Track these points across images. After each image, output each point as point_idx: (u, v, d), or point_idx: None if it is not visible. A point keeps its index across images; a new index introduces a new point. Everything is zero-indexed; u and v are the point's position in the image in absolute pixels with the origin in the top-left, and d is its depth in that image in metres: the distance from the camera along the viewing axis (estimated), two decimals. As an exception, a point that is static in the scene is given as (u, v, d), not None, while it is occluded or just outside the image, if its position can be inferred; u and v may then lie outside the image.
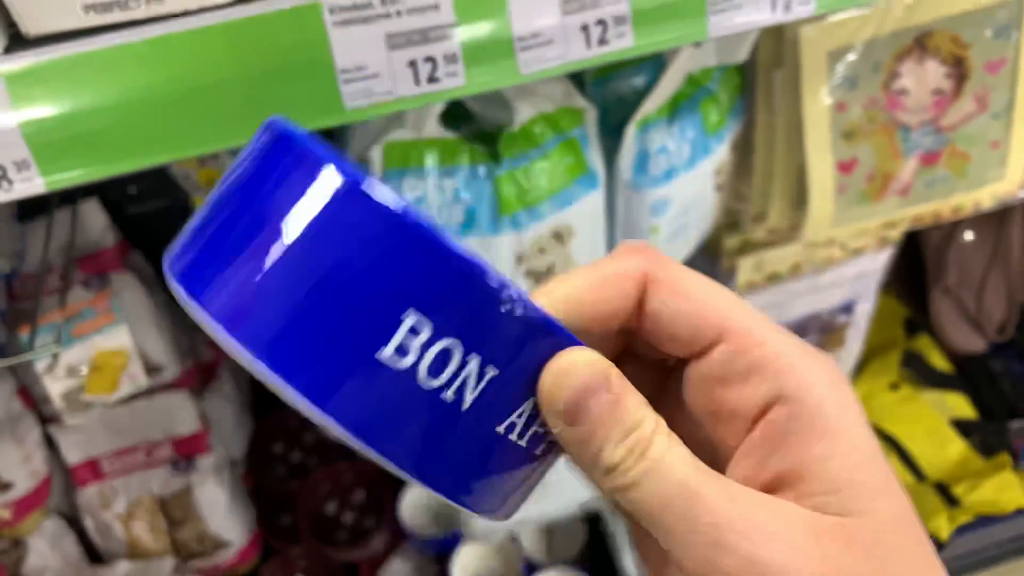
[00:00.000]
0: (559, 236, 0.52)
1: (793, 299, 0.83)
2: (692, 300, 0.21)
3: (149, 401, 0.87)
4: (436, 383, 0.18)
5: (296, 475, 1.08)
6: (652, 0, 0.36)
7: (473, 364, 0.18)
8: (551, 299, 0.21)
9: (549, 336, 0.19)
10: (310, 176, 0.17)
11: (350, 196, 0.17)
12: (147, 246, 0.92)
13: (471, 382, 0.18)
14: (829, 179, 0.60)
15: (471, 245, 0.51)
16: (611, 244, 0.59)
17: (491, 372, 0.19)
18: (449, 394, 0.18)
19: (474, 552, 1.01)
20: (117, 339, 0.63)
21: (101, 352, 0.63)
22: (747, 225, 0.69)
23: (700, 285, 0.21)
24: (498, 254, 0.51)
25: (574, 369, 0.19)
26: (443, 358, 0.18)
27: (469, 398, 0.19)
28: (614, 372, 0.20)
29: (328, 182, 0.17)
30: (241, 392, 1.06)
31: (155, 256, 0.93)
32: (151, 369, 0.84)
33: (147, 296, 0.85)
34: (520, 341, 0.19)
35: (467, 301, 0.18)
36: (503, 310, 0.18)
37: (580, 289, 0.21)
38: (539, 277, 0.54)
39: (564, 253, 0.54)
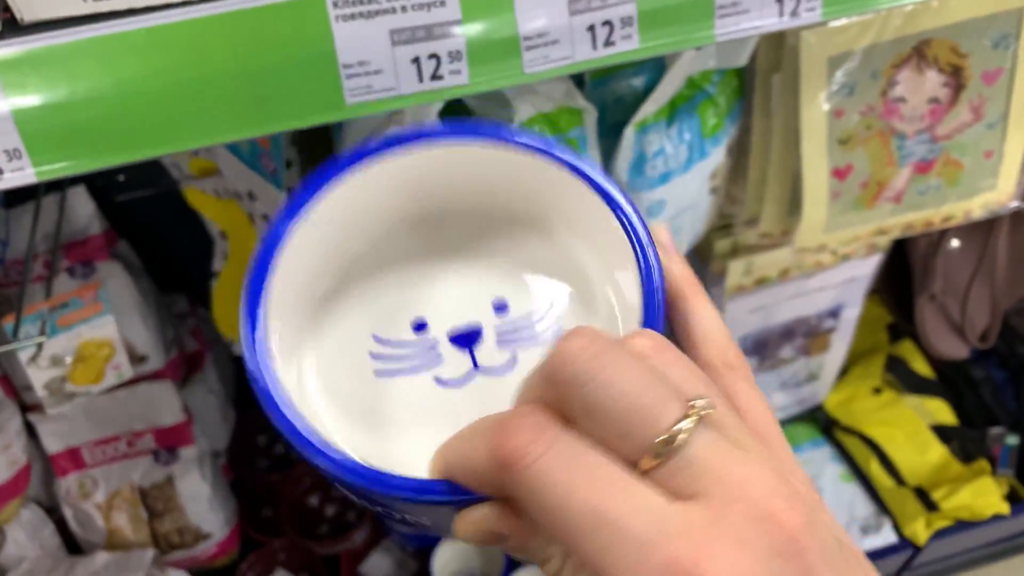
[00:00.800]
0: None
1: (781, 303, 0.84)
2: (543, 519, 0.20)
3: (132, 391, 0.86)
4: (401, 519, 0.25)
5: (278, 468, 1.07)
6: (659, 2, 0.36)
7: (410, 518, 0.25)
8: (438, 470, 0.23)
9: (446, 506, 0.24)
10: None
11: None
12: (134, 234, 0.91)
13: (420, 522, 0.25)
14: (823, 185, 0.60)
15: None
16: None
17: (426, 521, 0.25)
18: (414, 524, 0.26)
19: (455, 548, 1.01)
20: (103, 330, 0.62)
21: (86, 342, 0.62)
22: (739, 229, 0.69)
23: (546, 502, 0.20)
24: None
25: (467, 530, 0.23)
26: (390, 514, 0.25)
27: (427, 523, 0.26)
28: (504, 524, 0.22)
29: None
30: (225, 384, 1.05)
31: (142, 244, 0.92)
32: (136, 359, 0.83)
33: (133, 285, 0.84)
34: (426, 512, 0.25)
35: (383, 498, 0.24)
36: (405, 501, 0.24)
37: (453, 470, 0.23)
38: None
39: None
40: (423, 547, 1.00)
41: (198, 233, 0.73)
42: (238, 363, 1.09)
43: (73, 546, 0.93)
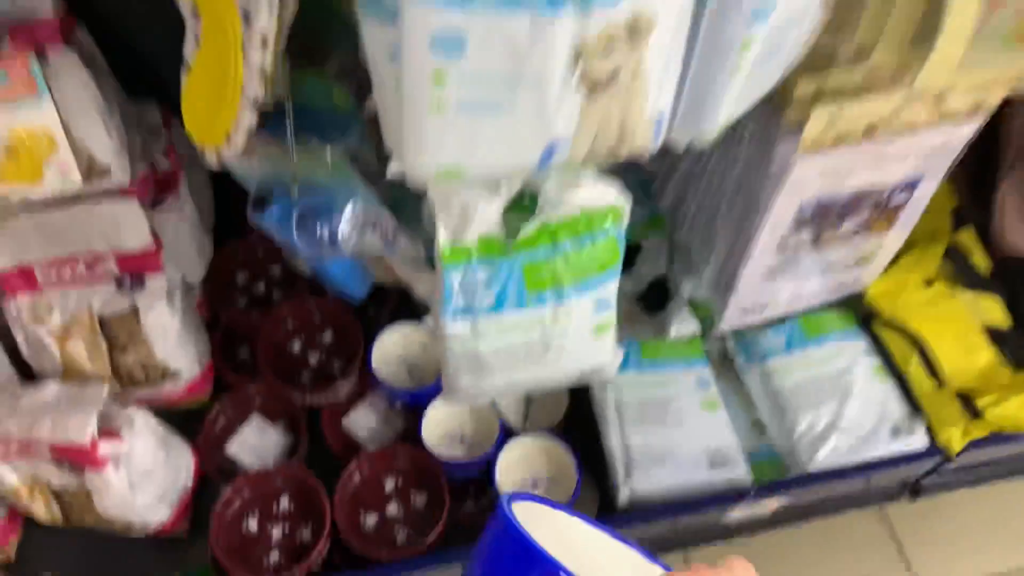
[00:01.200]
0: (634, 29, 0.39)
1: (855, 168, 0.71)
2: None
3: (93, 207, 0.75)
4: None
5: (258, 307, 0.97)
6: None
7: None
8: None
9: None
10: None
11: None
12: (99, 31, 0.76)
13: None
14: (972, 9, 0.47)
15: (517, 25, 0.37)
16: (688, 60, 0.45)
17: None
18: None
19: (447, 410, 0.92)
20: (39, 115, 0.50)
21: (18, 131, 0.49)
22: (841, 63, 0.56)
23: None
24: (551, 43, 0.38)
25: None
26: None
27: None
28: None
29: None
30: (203, 213, 0.93)
31: (109, 44, 0.77)
32: (95, 170, 0.70)
33: (91, 81, 0.70)
34: None
35: None
36: None
37: None
38: (596, 87, 0.41)
39: (635, 58, 0.40)
40: (413, 405, 0.92)
41: (176, 33, 0.59)
42: (217, 188, 0.96)
43: (27, 373, 0.84)
